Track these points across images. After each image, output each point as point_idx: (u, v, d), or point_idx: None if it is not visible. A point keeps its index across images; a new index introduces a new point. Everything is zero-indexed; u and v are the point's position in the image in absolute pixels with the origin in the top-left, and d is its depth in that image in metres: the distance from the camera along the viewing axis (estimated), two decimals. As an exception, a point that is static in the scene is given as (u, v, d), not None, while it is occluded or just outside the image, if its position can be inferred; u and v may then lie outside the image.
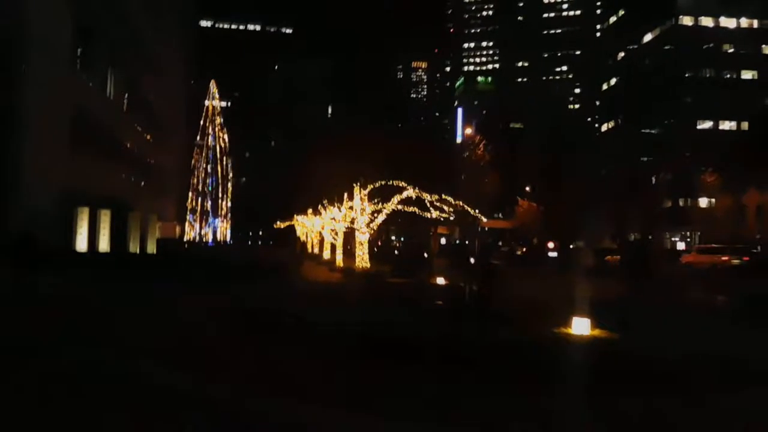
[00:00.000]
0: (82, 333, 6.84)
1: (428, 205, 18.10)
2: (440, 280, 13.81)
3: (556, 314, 7.95)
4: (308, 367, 5.70)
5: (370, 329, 7.22)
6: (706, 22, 63.75)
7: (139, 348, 6.12)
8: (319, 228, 29.56)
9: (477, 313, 8.36)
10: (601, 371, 5.60)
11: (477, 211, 19.87)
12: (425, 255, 26.40)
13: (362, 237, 19.44)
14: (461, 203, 18.37)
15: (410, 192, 18.01)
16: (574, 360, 6.12)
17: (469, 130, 61.13)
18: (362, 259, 19.42)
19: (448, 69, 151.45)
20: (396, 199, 18.41)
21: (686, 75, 62.93)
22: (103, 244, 19.19)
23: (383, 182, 19.20)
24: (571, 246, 50.78)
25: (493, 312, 8.36)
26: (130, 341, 6.49)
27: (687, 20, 63.74)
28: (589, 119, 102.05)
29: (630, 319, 8.08)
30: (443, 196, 17.95)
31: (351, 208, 22.97)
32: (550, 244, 37.82)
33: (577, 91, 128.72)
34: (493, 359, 5.98)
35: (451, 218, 19.27)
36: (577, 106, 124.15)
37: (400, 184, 18.51)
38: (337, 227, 23.47)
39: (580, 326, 7.13)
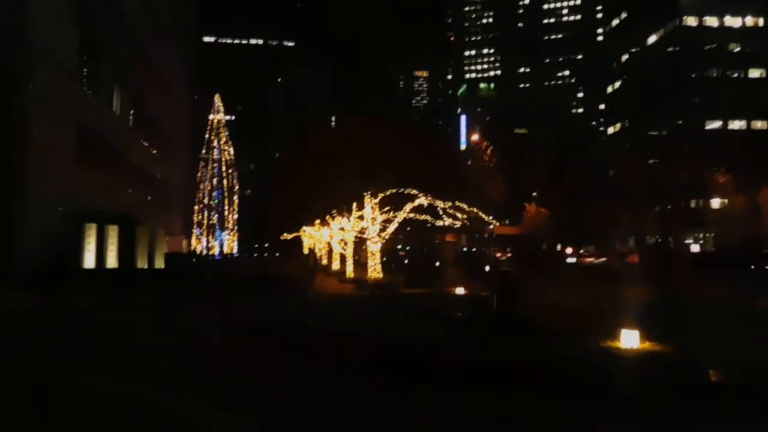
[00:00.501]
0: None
1: (441, 212, 17.66)
2: (460, 290, 13.29)
3: (594, 324, 7.44)
4: (345, 396, 5.23)
5: (400, 349, 6.69)
6: (711, 21, 63.39)
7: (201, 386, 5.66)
8: (328, 238, 29.17)
9: (507, 325, 7.78)
10: (671, 391, 5.13)
11: (491, 217, 19.41)
12: (437, 264, 25.87)
13: (374, 247, 19.01)
14: (475, 210, 17.92)
15: (422, 200, 17.59)
16: (637, 379, 5.56)
17: (475, 137, 60.78)
18: (374, 269, 18.96)
19: (449, 77, 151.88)
20: (408, 206, 17.99)
21: (692, 75, 62.42)
22: (111, 260, 18.88)
23: (394, 190, 18.79)
24: (581, 251, 50.05)
25: (524, 324, 7.76)
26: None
27: (691, 20, 63.40)
28: (593, 123, 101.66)
29: (675, 327, 7.43)
30: (457, 203, 17.51)
31: (360, 217, 22.60)
32: (568, 250, 37.08)
33: (580, 95, 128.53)
34: (544, 381, 5.43)
35: (467, 225, 18.79)
36: (580, 110, 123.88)
37: (412, 192, 18.09)
38: (347, 237, 23.06)
39: (630, 339, 6.56)
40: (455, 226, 18.95)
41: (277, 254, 61.67)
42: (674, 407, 4.82)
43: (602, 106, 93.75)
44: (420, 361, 6.05)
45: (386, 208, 19.50)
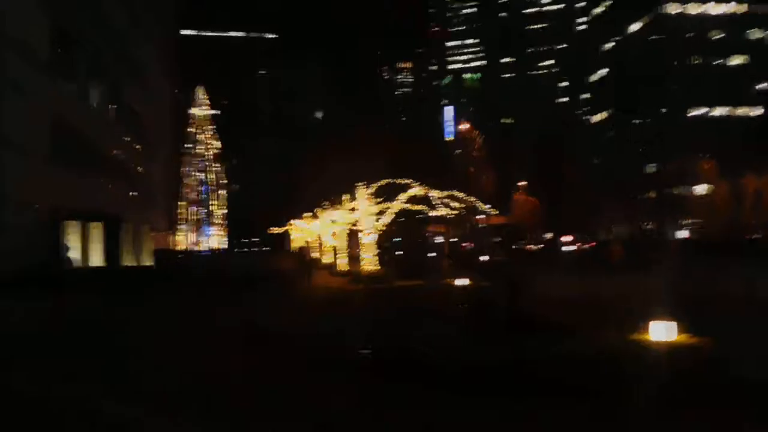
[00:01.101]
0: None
1: (435, 202, 17.30)
2: (461, 282, 12.95)
3: (611, 317, 7.09)
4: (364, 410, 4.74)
5: (402, 350, 6.26)
6: (693, 9, 63.89)
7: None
8: (318, 231, 28.65)
9: (516, 320, 7.32)
10: (719, 391, 4.58)
11: (489, 207, 19.13)
12: (430, 255, 25.58)
13: (368, 239, 18.60)
14: (473, 199, 17.60)
15: (417, 189, 17.20)
16: (681, 378, 4.87)
17: (464, 126, 60.52)
18: (369, 262, 18.57)
19: (433, 68, 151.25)
20: (403, 197, 17.60)
21: (674, 63, 62.99)
22: (96, 259, 18.13)
23: (388, 181, 18.36)
24: (562, 237, 50.17)
25: (535, 319, 7.28)
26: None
27: (673, 8, 63.83)
28: (578, 112, 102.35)
29: (701, 317, 6.82)
30: (453, 193, 17.17)
31: (352, 209, 22.14)
32: (566, 238, 37.08)
33: (564, 84, 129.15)
34: (577, 382, 4.75)
35: (462, 215, 18.49)
36: (565, 99, 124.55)
37: (406, 182, 17.69)
38: (338, 229, 22.60)
39: (662, 331, 5.87)
40: (449, 217, 18.63)
41: (266, 248, 60.89)
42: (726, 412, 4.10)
43: (585, 96, 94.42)
44: (424, 363, 5.62)
45: (379, 200, 19.09)
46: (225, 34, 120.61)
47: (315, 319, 9.10)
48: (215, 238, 61.35)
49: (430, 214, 18.05)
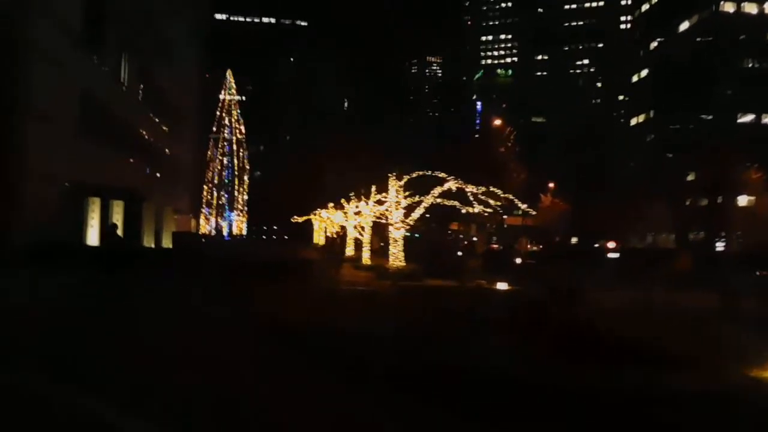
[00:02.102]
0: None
1: (471, 198, 16.15)
2: (502, 285, 11.82)
3: (696, 339, 5.91)
4: None
5: (453, 371, 5.17)
6: (750, 8, 60.09)
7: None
8: (343, 222, 27.82)
9: (582, 334, 6.16)
10: None
11: (526, 206, 17.89)
12: (459, 254, 24.41)
13: (397, 233, 17.58)
14: (511, 197, 16.38)
15: (452, 184, 16.07)
16: None
17: (497, 121, 58.71)
18: (397, 257, 17.57)
19: (465, 62, 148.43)
20: (437, 191, 16.51)
21: (726, 66, 59.46)
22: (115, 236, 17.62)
23: (421, 173, 17.28)
24: (596, 245, 48.15)
25: (603, 335, 6.09)
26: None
27: (728, 7, 60.16)
28: (614, 114, 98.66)
29: None
30: (490, 188, 15.98)
31: (379, 201, 21.21)
32: (610, 244, 35.30)
33: (599, 85, 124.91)
34: None
35: (499, 213, 17.31)
36: (598, 101, 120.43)
37: (440, 175, 16.58)
38: (364, 222, 21.67)
39: None
40: (486, 214, 17.46)
41: (286, 237, 60.56)
42: None
43: (621, 97, 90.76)
44: (484, 391, 4.53)
45: (407, 193, 18.06)
46: (256, 20, 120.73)
47: (345, 321, 8.13)
48: (236, 224, 61.33)
49: (464, 210, 16.90)
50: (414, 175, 17.38)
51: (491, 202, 15.93)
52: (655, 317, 8.12)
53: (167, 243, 20.64)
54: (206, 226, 58.63)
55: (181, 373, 5.20)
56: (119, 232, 15.37)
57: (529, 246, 34.94)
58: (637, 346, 5.82)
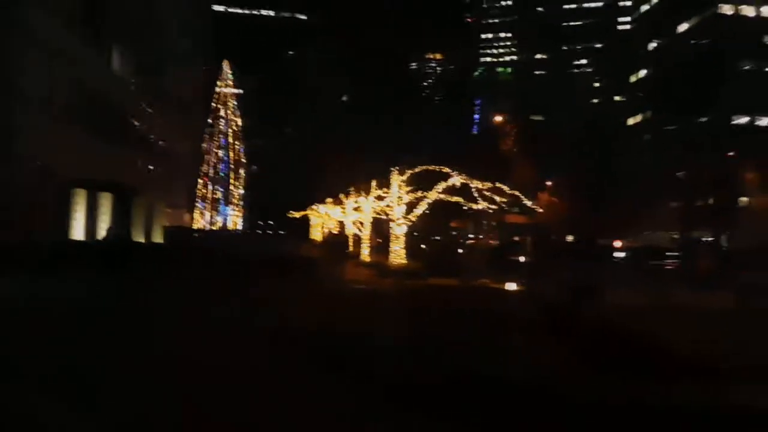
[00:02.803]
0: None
1: (476, 194, 15.50)
2: (511, 286, 11.17)
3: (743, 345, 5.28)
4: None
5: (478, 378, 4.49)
6: (747, 11, 59.90)
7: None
8: (341, 218, 27.14)
9: (611, 336, 5.50)
10: None
11: (532, 203, 17.25)
12: (459, 251, 23.80)
13: (399, 230, 16.93)
14: (517, 193, 15.76)
15: (457, 179, 15.42)
16: None
17: (499, 118, 58.15)
18: (398, 254, 16.92)
19: (465, 60, 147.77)
20: (441, 186, 15.86)
21: (723, 67, 59.15)
22: (103, 233, 16.88)
23: (424, 168, 16.61)
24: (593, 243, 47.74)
25: (639, 341, 5.44)
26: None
27: (727, 9, 59.92)
28: (612, 113, 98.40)
29: None
30: (496, 185, 15.34)
31: (379, 197, 20.58)
32: (617, 243, 34.81)
33: (597, 85, 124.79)
34: None
35: (504, 209, 16.71)
36: (595, 101, 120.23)
37: (445, 171, 15.92)
38: (364, 218, 21.00)
39: None
40: (491, 210, 16.85)
41: (281, 233, 59.70)
42: None
43: (618, 98, 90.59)
44: (521, 409, 3.83)
45: (409, 188, 17.40)
46: (255, 13, 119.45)
47: (350, 322, 7.45)
48: (232, 219, 60.39)
49: (468, 207, 16.25)
50: (417, 169, 16.74)
51: (497, 198, 15.30)
52: (690, 319, 7.48)
53: (158, 238, 19.87)
54: (201, 220, 57.69)
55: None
56: (107, 227, 14.66)
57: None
58: (685, 354, 5.11)
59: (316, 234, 43.71)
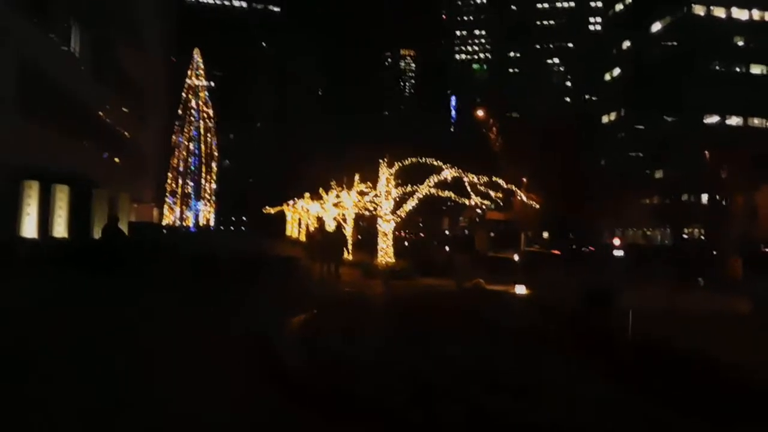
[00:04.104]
0: None
1: (468, 189, 14.66)
2: (520, 289, 10.31)
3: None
4: None
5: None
6: (719, 12, 61.59)
7: None
8: (320, 213, 25.93)
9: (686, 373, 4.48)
10: None
11: (532, 202, 16.55)
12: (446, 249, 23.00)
13: (386, 226, 15.93)
14: (514, 187, 15.01)
15: (451, 172, 14.53)
16: None
17: (480, 112, 57.84)
18: (386, 253, 15.91)
19: (439, 57, 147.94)
20: (433, 179, 14.93)
21: (695, 67, 60.66)
22: (60, 229, 15.22)
23: (414, 160, 15.64)
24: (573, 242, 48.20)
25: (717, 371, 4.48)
26: None
27: (699, 9, 61.46)
28: (584, 112, 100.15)
29: None
30: (493, 179, 14.53)
31: (362, 192, 19.56)
32: (616, 241, 34.71)
33: (568, 84, 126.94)
34: None
35: (500, 204, 15.95)
36: (567, 99, 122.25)
37: (436, 164, 15.00)
38: (347, 214, 19.91)
39: None
40: (485, 207, 16.06)
41: (253, 229, 57.67)
42: None
43: (588, 96, 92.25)
44: None
45: (397, 181, 16.41)
46: (224, 3, 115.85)
47: (341, 337, 6.37)
48: (203, 215, 57.92)
49: (461, 202, 15.40)
50: (407, 162, 15.75)
51: (492, 193, 14.51)
52: (741, 333, 6.75)
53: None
54: (170, 216, 55.05)
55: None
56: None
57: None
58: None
59: (293, 231, 42.25)
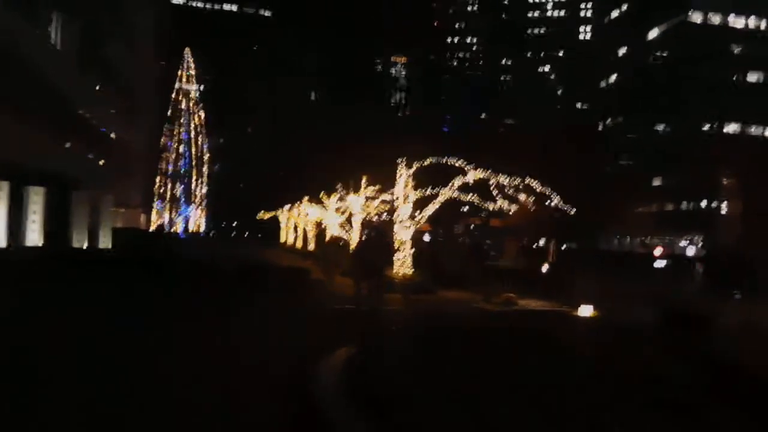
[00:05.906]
0: None
1: (495, 192, 13.22)
2: (586, 311, 8.78)
3: None
4: None
5: None
6: (716, 19, 61.65)
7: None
8: (321, 218, 24.31)
9: None
10: None
11: (566, 206, 15.19)
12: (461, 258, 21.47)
13: (404, 233, 14.35)
14: (548, 191, 13.60)
15: (476, 173, 13.07)
16: None
17: (482, 116, 56.76)
18: (404, 263, 14.32)
19: (431, 63, 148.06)
20: (456, 182, 13.46)
21: (691, 74, 60.51)
22: (33, 236, 13.41)
23: (432, 159, 14.15)
24: (563, 247, 47.10)
25: None
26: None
27: (696, 17, 61.47)
28: (575, 119, 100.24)
29: None
30: (528, 181, 13.11)
31: (369, 198, 18.07)
32: (657, 250, 33.05)
33: (559, 92, 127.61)
34: None
35: (529, 210, 14.56)
36: (558, 107, 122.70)
37: (458, 164, 13.56)
38: (354, 219, 18.34)
39: None
40: (511, 211, 14.64)
41: (246, 235, 55.60)
42: None
43: (579, 105, 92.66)
44: None
45: (413, 182, 14.92)
46: (214, 7, 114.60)
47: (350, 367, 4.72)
48: (193, 220, 55.80)
49: (486, 206, 13.96)
50: (427, 162, 14.24)
51: (522, 197, 13.09)
52: None
53: (105, 242, 16.34)
54: (158, 221, 52.87)
55: None
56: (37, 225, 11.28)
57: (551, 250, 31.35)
58: None
59: (288, 237, 40.40)
